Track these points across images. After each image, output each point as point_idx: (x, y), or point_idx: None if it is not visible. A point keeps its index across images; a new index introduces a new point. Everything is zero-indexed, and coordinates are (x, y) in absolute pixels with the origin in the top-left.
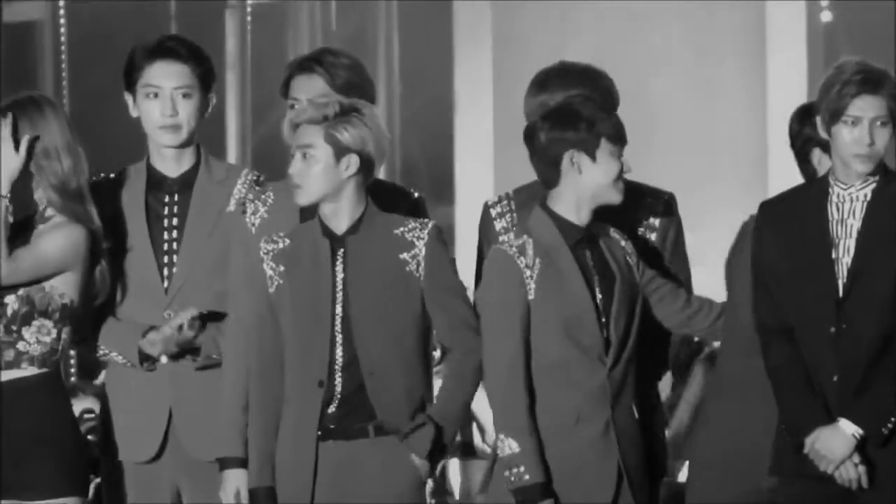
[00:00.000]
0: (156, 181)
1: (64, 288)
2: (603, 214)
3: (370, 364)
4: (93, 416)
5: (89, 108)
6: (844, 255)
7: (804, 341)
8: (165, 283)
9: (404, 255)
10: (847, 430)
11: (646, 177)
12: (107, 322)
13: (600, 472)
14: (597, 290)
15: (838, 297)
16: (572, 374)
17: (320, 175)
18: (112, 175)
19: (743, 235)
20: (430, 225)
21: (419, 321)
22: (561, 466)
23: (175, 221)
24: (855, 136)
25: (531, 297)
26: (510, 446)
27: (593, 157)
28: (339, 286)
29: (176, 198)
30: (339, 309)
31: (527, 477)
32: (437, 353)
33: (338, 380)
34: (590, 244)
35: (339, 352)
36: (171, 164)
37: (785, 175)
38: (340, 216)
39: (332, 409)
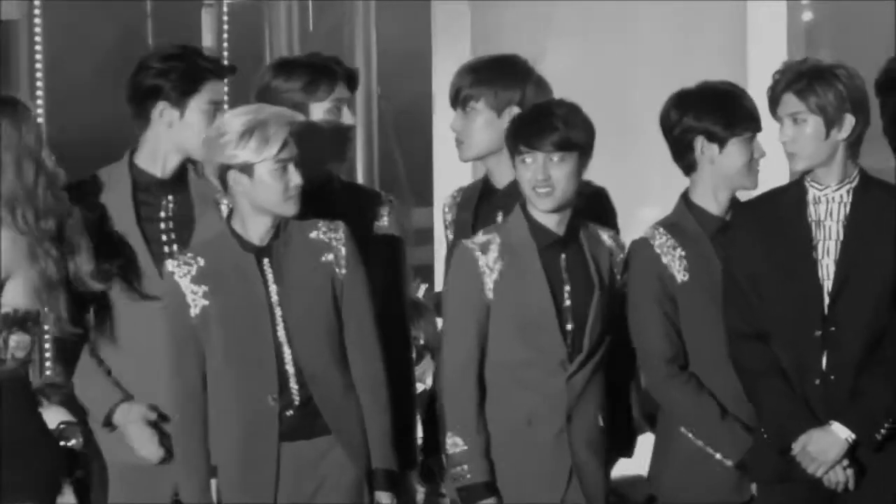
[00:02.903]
0: (144, 182)
1: (6, 297)
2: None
3: (312, 370)
4: (66, 425)
5: (64, 106)
6: (824, 256)
7: (787, 345)
8: None
9: (326, 257)
10: (840, 433)
11: (628, 175)
12: (88, 365)
13: (549, 476)
14: (566, 295)
15: (824, 300)
16: (528, 377)
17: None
18: (87, 178)
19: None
20: (340, 224)
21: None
22: (509, 466)
23: (171, 224)
24: (781, 133)
25: (490, 296)
26: (456, 444)
27: (513, 160)
28: (275, 296)
29: (171, 198)
30: (279, 321)
31: (469, 476)
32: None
33: (293, 388)
34: (565, 247)
35: (288, 364)
36: (160, 164)
37: (766, 173)
38: (259, 226)
39: (289, 412)
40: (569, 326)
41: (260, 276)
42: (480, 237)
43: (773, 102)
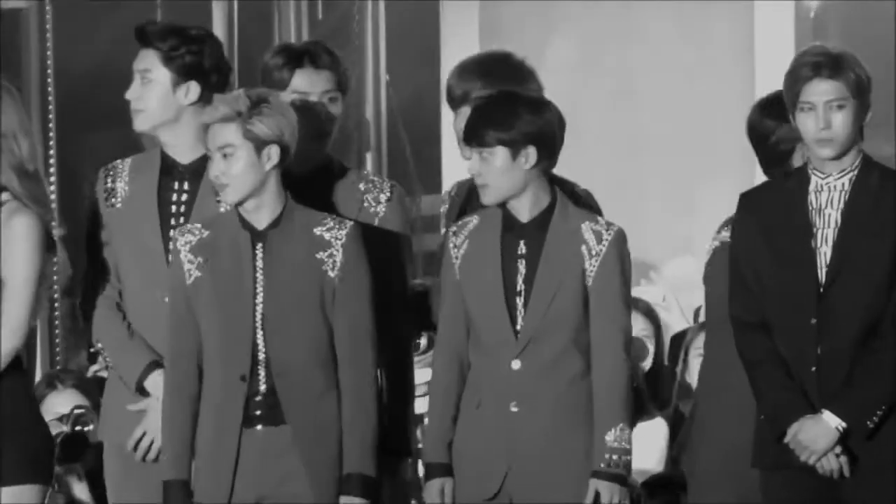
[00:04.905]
0: (167, 167)
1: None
2: None
3: (280, 364)
4: (83, 409)
5: (75, 96)
6: (822, 244)
7: (784, 332)
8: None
9: (321, 255)
10: (830, 422)
11: (635, 170)
12: (118, 331)
13: (488, 461)
14: (519, 279)
15: (820, 287)
16: (482, 360)
17: (244, 172)
18: (128, 160)
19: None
20: (348, 225)
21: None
22: (459, 448)
23: (183, 208)
24: (811, 121)
25: (458, 277)
26: (425, 422)
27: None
28: (260, 282)
29: (186, 185)
30: (259, 305)
31: (427, 455)
32: (423, 342)
33: (261, 374)
34: (526, 234)
35: (260, 348)
36: (179, 150)
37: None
38: (262, 211)
39: (258, 398)
40: (521, 311)
41: (251, 257)
42: (464, 219)
43: (798, 90)
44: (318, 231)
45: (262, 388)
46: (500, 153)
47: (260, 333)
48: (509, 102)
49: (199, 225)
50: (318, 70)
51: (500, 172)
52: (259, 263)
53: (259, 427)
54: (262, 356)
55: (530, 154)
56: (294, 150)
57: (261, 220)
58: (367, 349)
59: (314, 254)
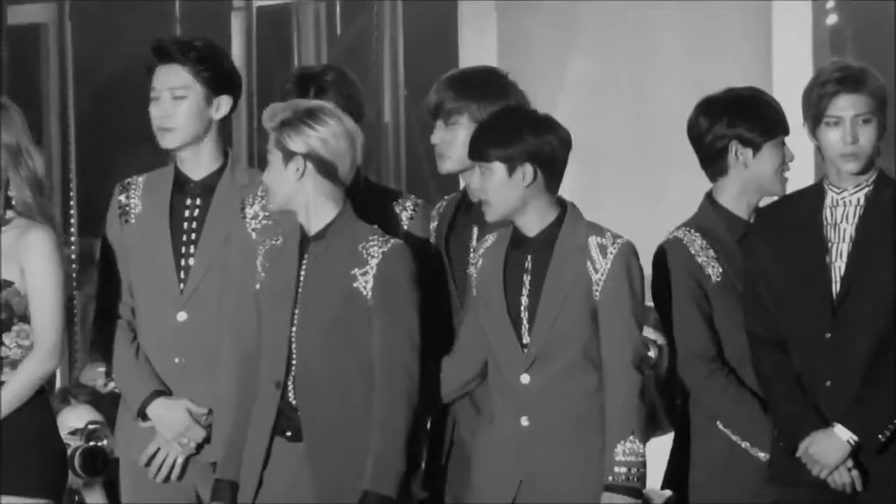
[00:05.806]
0: (180, 184)
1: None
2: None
3: (304, 376)
4: (97, 425)
5: (95, 111)
6: (837, 259)
7: (799, 347)
8: (181, 286)
9: (356, 271)
10: (842, 436)
11: (650, 180)
12: (126, 355)
13: (502, 472)
14: (524, 294)
15: (833, 302)
16: (495, 374)
17: (277, 179)
18: (143, 176)
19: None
20: (391, 243)
21: (366, 341)
22: (474, 459)
23: (195, 224)
24: (838, 136)
25: (475, 293)
26: None
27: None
28: (301, 290)
29: (198, 201)
30: (297, 314)
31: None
32: None
33: (290, 385)
34: (532, 249)
35: (294, 358)
36: (192, 166)
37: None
38: (309, 219)
39: (298, 413)
40: (525, 327)
41: (296, 264)
42: (488, 235)
43: (824, 106)
44: (360, 247)
45: (292, 399)
46: (498, 169)
47: (294, 344)
48: (513, 120)
49: (279, 232)
50: None
51: (498, 188)
52: (303, 272)
53: (296, 442)
54: (294, 368)
55: (527, 171)
56: (346, 165)
57: (311, 229)
58: (399, 370)
59: (350, 270)
